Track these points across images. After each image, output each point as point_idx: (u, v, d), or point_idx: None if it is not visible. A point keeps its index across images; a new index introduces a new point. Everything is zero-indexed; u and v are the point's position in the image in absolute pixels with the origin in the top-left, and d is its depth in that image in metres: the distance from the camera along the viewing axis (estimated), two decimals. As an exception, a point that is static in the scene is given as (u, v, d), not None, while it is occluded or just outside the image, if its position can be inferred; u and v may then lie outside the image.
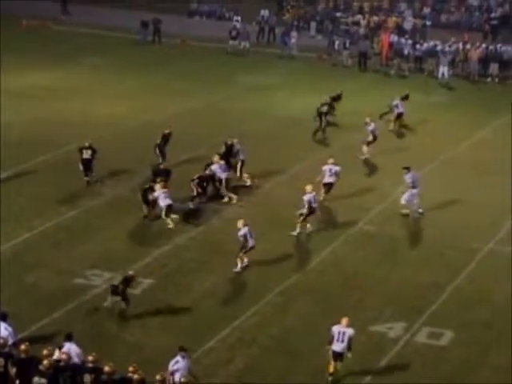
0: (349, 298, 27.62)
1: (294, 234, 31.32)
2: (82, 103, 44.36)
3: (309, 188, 31.26)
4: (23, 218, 31.68)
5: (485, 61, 53.97)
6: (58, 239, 30.71)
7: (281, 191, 35.16)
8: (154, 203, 32.24)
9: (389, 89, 50.82)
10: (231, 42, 57.43)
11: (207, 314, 26.04)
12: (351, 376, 23.41)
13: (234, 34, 57.71)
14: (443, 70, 52.70)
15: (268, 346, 24.71)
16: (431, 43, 55.36)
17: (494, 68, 53.74)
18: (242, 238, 28.85)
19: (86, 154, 34.13)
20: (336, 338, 22.89)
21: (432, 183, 35.93)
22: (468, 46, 54.67)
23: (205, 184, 33.81)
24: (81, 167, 34.08)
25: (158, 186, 32.07)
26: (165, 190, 32.09)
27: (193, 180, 33.62)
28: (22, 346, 21.19)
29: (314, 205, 31.35)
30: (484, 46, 55.26)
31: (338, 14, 61.74)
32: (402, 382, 23.31)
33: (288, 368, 23.63)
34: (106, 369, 20.90)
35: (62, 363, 21.04)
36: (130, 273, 26.40)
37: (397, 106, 43.04)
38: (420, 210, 33.61)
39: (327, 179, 33.89)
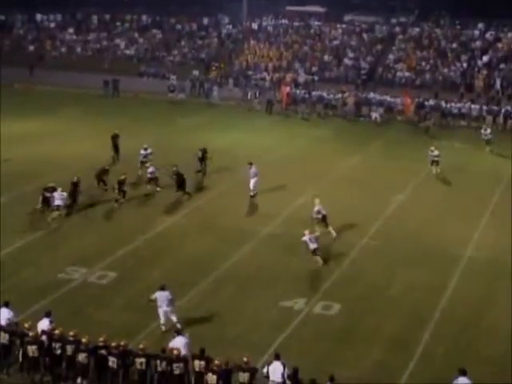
0: (263, 282, 27.63)
1: None
2: (60, 144, 43.89)
3: None
4: (18, 230, 31.28)
5: (358, 105, 54.54)
6: (45, 244, 30.38)
7: (210, 206, 35.13)
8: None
9: (288, 126, 51.26)
10: (170, 95, 57.42)
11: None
12: (268, 337, 23.48)
13: (171, 88, 57.93)
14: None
15: (203, 319, 24.67)
16: (319, 92, 55.80)
17: (364, 110, 54.31)
18: (304, 242, 28.71)
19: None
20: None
21: (321, 195, 36.19)
22: (346, 95, 55.18)
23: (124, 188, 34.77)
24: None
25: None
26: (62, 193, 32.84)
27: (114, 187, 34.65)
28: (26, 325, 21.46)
29: None
30: (356, 93, 55.85)
31: (250, 72, 61.98)
32: (303, 342, 23.46)
33: (221, 335, 23.62)
34: (84, 340, 20.82)
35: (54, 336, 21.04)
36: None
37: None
38: (252, 193, 35.44)
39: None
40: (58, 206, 32.68)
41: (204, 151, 39.25)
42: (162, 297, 23.74)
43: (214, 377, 19.68)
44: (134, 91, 58.37)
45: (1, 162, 38.54)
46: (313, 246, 28.68)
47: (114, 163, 40.44)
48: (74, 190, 33.78)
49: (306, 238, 28.78)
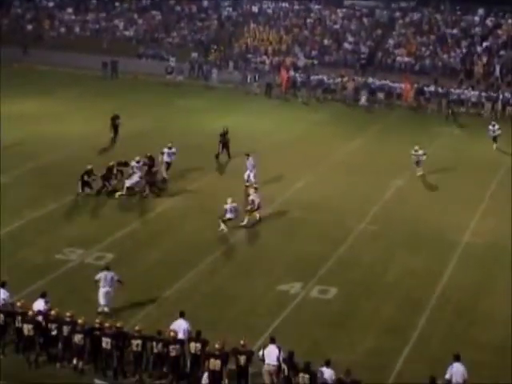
0: (261, 265, 27.68)
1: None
2: (58, 125, 43.71)
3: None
4: (16, 210, 31.19)
5: (357, 90, 54.35)
6: (42, 225, 30.32)
7: (209, 188, 35.04)
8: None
9: (287, 110, 51.11)
10: (168, 77, 57.21)
11: (155, 279, 25.97)
12: (264, 320, 23.51)
13: (169, 70, 57.63)
14: (363, 98, 52.88)
15: (200, 301, 24.71)
16: (318, 76, 55.65)
17: (363, 95, 54.08)
18: (224, 210, 30.12)
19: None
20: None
21: (319, 179, 36.26)
22: (345, 79, 55.01)
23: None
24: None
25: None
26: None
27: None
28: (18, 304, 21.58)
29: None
30: (356, 78, 55.69)
31: (249, 56, 61.74)
32: (300, 326, 23.50)
33: (217, 318, 23.65)
34: (80, 322, 20.84)
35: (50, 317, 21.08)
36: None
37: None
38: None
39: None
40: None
41: (223, 133, 38.78)
42: (106, 277, 23.53)
43: (218, 361, 19.67)
44: (133, 73, 58.09)
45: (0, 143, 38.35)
46: (229, 215, 29.96)
47: (112, 145, 40.41)
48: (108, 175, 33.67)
49: (227, 206, 30.04)
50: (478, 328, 23.77)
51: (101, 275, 23.62)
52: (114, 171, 33.97)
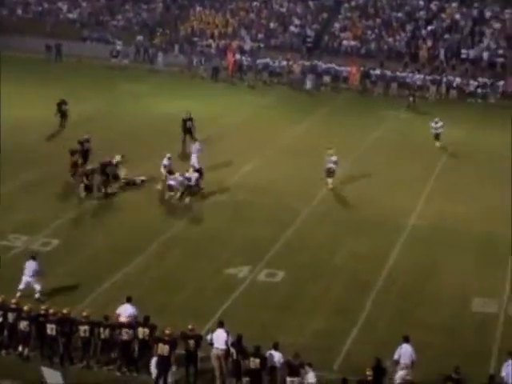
0: (209, 249, 27.58)
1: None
2: (1, 110, 42.73)
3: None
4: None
5: (303, 73, 54.39)
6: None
7: (156, 174, 34.64)
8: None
9: (234, 94, 50.98)
10: (113, 60, 56.67)
11: (102, 264, 25.73)
12: (212, 304, 23.49)
13: (114, 53, 57.20)
14: (309, 83, 52.93)
15: (148, 286, 24.58)
16: (265, 60, 55.63)
17: (310, 78, 54.10)
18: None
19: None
20: None
21: (266, 163, 36.28)
22: (291, 63, 55.03)
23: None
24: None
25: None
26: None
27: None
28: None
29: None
30: (302, 62, 55.75)
31: (195, 39, 61.37)
32: (248, 310, 23.51)
33: (165, 302, 23.54)
34: (25, 308, 20.61)
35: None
36: None
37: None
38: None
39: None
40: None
41: (187, 120, 38.06)
42: (29, 266, 23.66)
43: (166, 347, 19.55)
44: (77, 56, 57.26)
45: None
46: (171, 182, 31.24)
47: (60, 130, 39.73)
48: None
49: (172, 176, 31.41)
50: (425, 309, 24.06)
51: (26, 264, 23.73)
52: (119, 167, 32.54)
